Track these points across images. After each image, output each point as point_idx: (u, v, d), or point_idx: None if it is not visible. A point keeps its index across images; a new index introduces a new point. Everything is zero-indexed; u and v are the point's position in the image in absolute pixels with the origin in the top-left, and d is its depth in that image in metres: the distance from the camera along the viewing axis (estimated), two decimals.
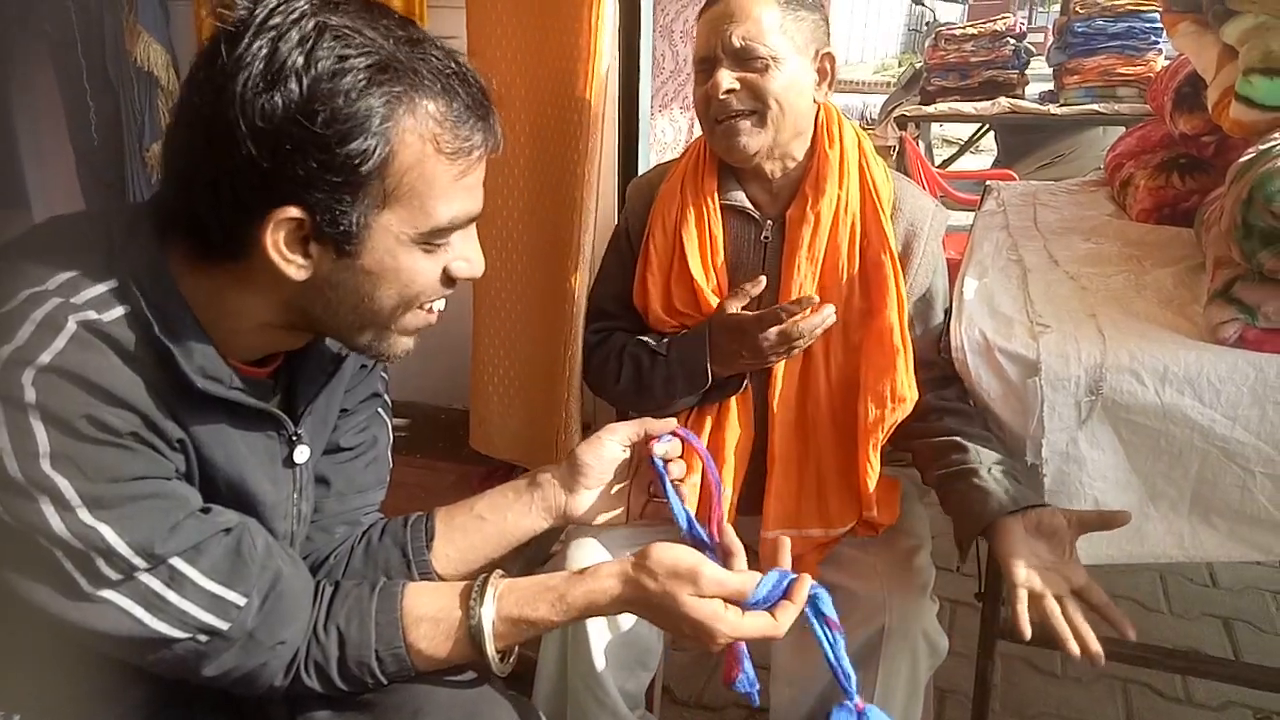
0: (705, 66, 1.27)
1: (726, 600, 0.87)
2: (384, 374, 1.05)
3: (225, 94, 0.70)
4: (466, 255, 0.84)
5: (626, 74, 1.71)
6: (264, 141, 0.71)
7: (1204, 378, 1.15)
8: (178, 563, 0.77)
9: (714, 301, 1.32)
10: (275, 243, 0.75)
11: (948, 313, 1.36)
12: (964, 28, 4.56)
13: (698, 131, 2.65)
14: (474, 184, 0.81)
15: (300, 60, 0.71)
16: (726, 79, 1.24)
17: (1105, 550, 1.19)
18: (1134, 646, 1.49)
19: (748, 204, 1.34)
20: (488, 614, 0.87)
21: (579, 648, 1.25)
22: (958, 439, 1.23)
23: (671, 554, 0.88)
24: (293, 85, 0.70)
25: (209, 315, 0.79)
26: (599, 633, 1.25)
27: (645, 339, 1.37)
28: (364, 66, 0.72)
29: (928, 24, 7.62)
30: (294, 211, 0.74)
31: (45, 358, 0.70)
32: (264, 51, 0.70)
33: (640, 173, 1.71)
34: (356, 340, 0.84)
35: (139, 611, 0.76)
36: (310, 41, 0.71)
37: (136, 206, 0.82)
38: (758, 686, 0.91)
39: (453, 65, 0.77)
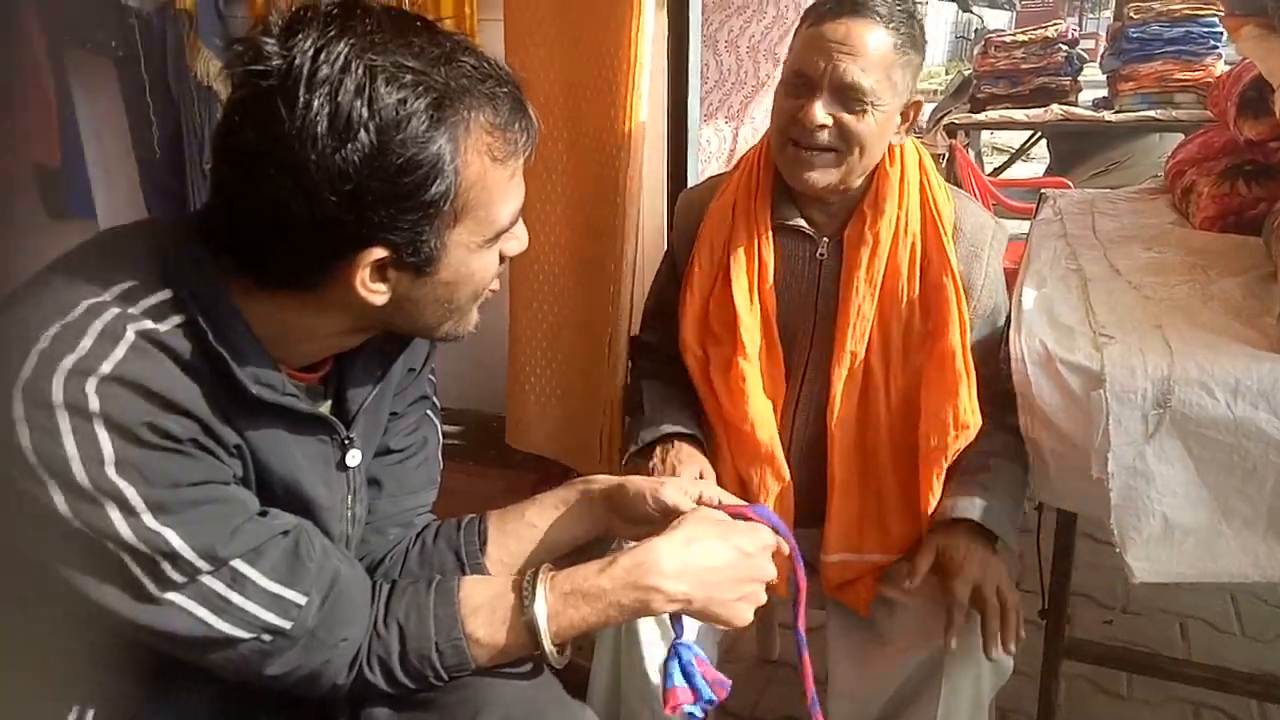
0: (801, 85, 1.22)
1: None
2: (432, 377, 1.06)
3: (295, 153, 0.71)
4: (516, 234, 0.87)
5: (674, 84, 1.71)
6: (344, 196, 0.72)
7: (1279, 391, 1.11)
8: (239, 565, 0.78)
9: (753, 328, 1.30)
10: (361, 280, 0.77)
11: (1007, 323, 1.33)
12: (1014, 34, 4.50)
13: (743, 141, 2.67)
14: (520, 177, 0.84)
15: (364, 111, 0.71)
16: (820, 114, 1.19)
17: (1176, 568, 1.15)
18: (1207, 669, 1.45)
19: (803, 223, 1.32)
20: (541, 592, 0.88)
21: (633, 659, 1.24)
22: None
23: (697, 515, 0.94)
24: (362, 137, 0.71)
25: (268, 328, 0.81)
26: (652, 642, 1.24)
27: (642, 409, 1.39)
28: (424, 107, 0.73)
29: (976, 31, 7.52)
30: (378, 252, 0.76)
31: (106, 367, 0.71)
32: (325, 108, 0.70)
33: (689, 182, 1.71)
34: (434, 333, 0.88)
35: (203, 613, 0.77)
36: (367, 89, 0.71)
37: (187, 218, 0.84)
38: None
39: (486, 67, 0.78)
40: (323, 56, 0.71)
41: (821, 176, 1.23)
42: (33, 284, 0.77)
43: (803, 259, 1.32)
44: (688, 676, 0.93)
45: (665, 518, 0.98)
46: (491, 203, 0.80)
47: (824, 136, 1.21)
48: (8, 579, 0.78)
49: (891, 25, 1.19)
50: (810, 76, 1.21)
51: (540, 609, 0.87)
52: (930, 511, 1.26)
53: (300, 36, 0.72)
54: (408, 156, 0.73)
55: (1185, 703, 1.79)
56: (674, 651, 0.94)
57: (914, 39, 1.22)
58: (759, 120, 2.67)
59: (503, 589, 0.89)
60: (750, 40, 2.57)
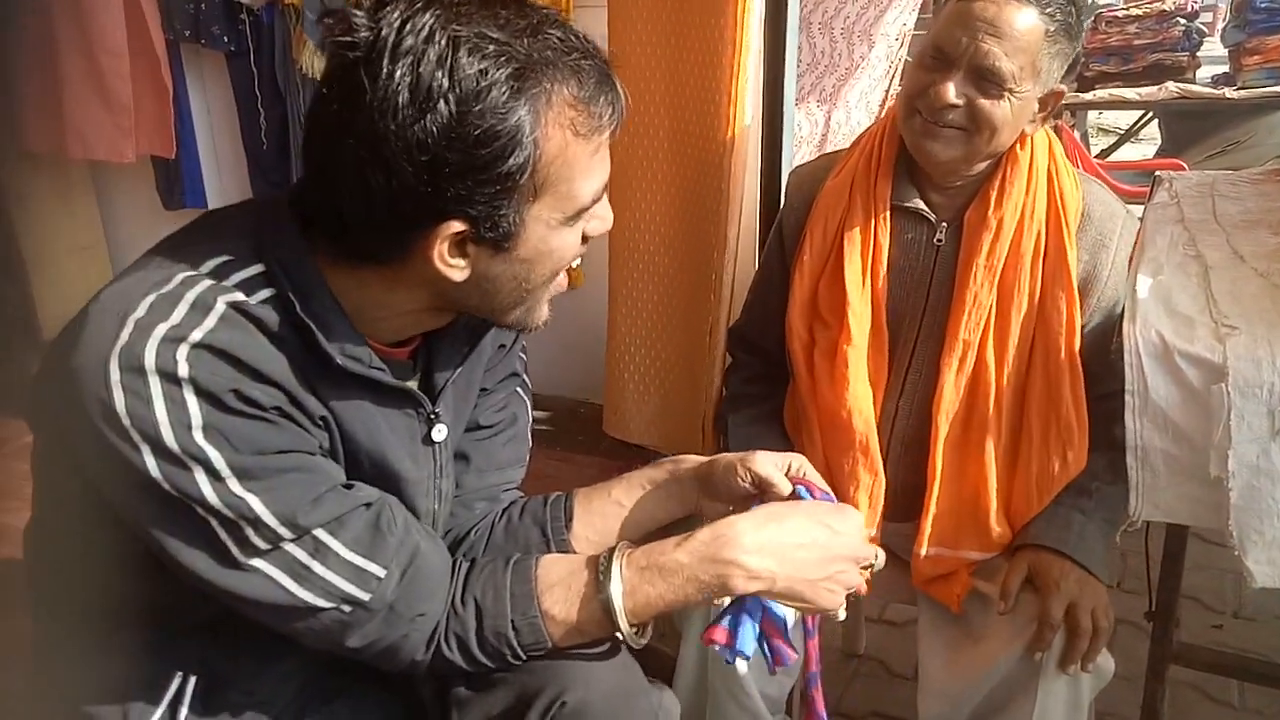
0: (939, 60, 1.17)
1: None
2: (523, 355, 1.07)
3: (376, 123, 0.72)
4: (600, 215, 0.86)
5: (771, 67, 1.68)
6: (423, 166, 0.73)
7: None
8: (321, 534, 0.80)
9: (863, 313, 1.27)
10: (439, 254, 0.78)
11: (1121, 315, 1.27)
12: (1127, 8, 4.27)
13: (835, 125, 2.62)
14: (605, 153, 0.83)
15: (444, 81, 0.71)
16: (953, 92, 1.15)
17: None
18: None
19: (922, 205, 1.27)
20: (617, 566, 0.87)
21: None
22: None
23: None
24: (441, 108, 0.72)
25: (352, 303, 0.83)
26: None
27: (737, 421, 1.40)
28: (505, 78, 0.73)
29: (1086, 5, 7.17)
30: (456, 225, 0.77)
31: (197, 335, 0.74)
32: (407, 78, 0.71)
33: (784, 168, 1.69)
34: (507, 318, 0.88)
35: (286, 580, 0.79)
36: (448, 59, 0.72)
37: (278, 196, 0.85)
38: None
39: (573, 40, 0.78)
40: (408, 27, 0.72)
41: (944, 149, 1.19)
42: (139, 260, 0.81)
43: (919, 243, 1.28)
44: (737, 624, 0.89)
45: (757, 491, 0.98)
46: (573, 178, 0.79)
47: (952, 116, 1.17)
48: (118, 548, 0.81)
49: (1048, 11, 1.13)
50: (949, 54, 1.16)
51: (616, 585, 0.86)
52: (1031, 514, 1.23)
53: (389, 9, 0.73)
54: (486, 127, 0.72)
55: None
56: (747, 600, 0.89)
57: (1069, 27, 1.16)
58: (853, 104, 2.61)
59: (579, 565, 0.90)
60: (845, 22, 2.51)
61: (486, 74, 0.72)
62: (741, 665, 0.90)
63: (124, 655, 0.88)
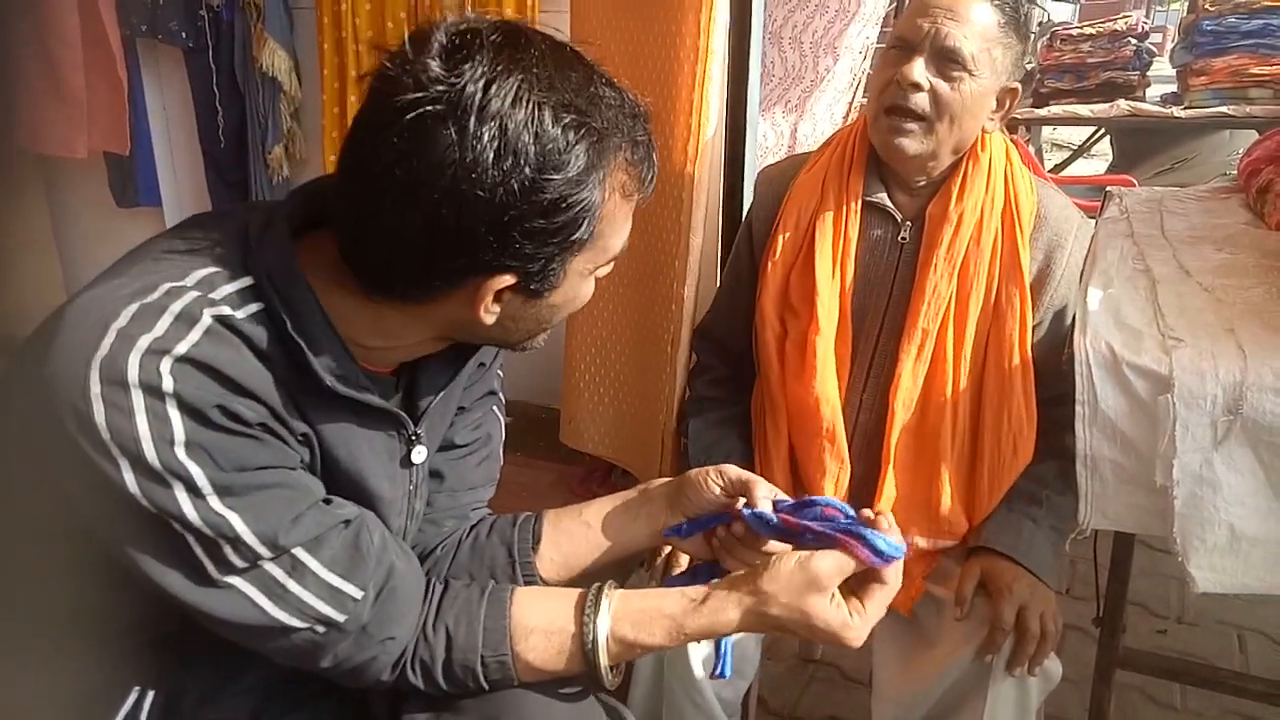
0: (901, 49, 1.24)
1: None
2: (500, 371, 1.06)
3: (457, 180, 0.71)
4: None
5: (735, 77, 1.70)
6: (493, 226, 0.73)
7: None
8: (300, 553, 0.78)
9: (830, 306, 1.29)
10: (483, 304, 0.79)
11: (1072, 325, 1.31)
12: (1081, 27, 4.38)
13: (802, 136, 2.65)
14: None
15: (531, 148, 0.72)
16: (919, 72, 1.21)
17: (1242, 579, 1.12)
18: (1265, 683, 1.40)
19: (889, 202, 1.31)
20: (602, 631, 0.87)
21: (678, 654, 1.25)
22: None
23: (785, 573, 0.87)
24: (525, 172, 0.72)
25: (349, 326, 0.81)
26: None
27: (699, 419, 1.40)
28: (585, 150, 0.74)
29: (1040, 24, 7.35)
30: (508, 280, 0.78)
31: (181, 348, 0.72)
32: (495, 141, 0.71)
33: (747, 178, 1.70)
34: (517, 346, 0.90)
35: (261, 599, 0.77)
36: (534, 124, 0.72)
37: (271, 207, 0.84)
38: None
39: (627, 103, 0.79)
40: (494, 90, 0.71)
41: (912, 143, 1.23)
42: (118, 265, 0.79)
43: (885, 240, 1.32)
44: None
45: (732, 498, 0.98)
46: (612, 234, 0.82)
47: (919, 100, 1.21)
48: (79, 558, 0.79)
49: (998, 3, 1.20)
50: (911, 40, 1.22)
51: (601, 645, 0.87)
52: (984, 513, 1.25)
53: (469, 66, 0.71)
54: (563, 194, 0.74)
55: (1240, 717, 1.75)
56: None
57: (1018, 22, 1.23)
58: (819, 115, 2.64)
59: (562, 615, 0.88)
60: (813, 36, 2.54)
61: (570, 144, 0.74)
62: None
63: (80, 669, 0.86)
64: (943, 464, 1.28)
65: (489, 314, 0.80)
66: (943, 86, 1.21)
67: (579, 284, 0.84)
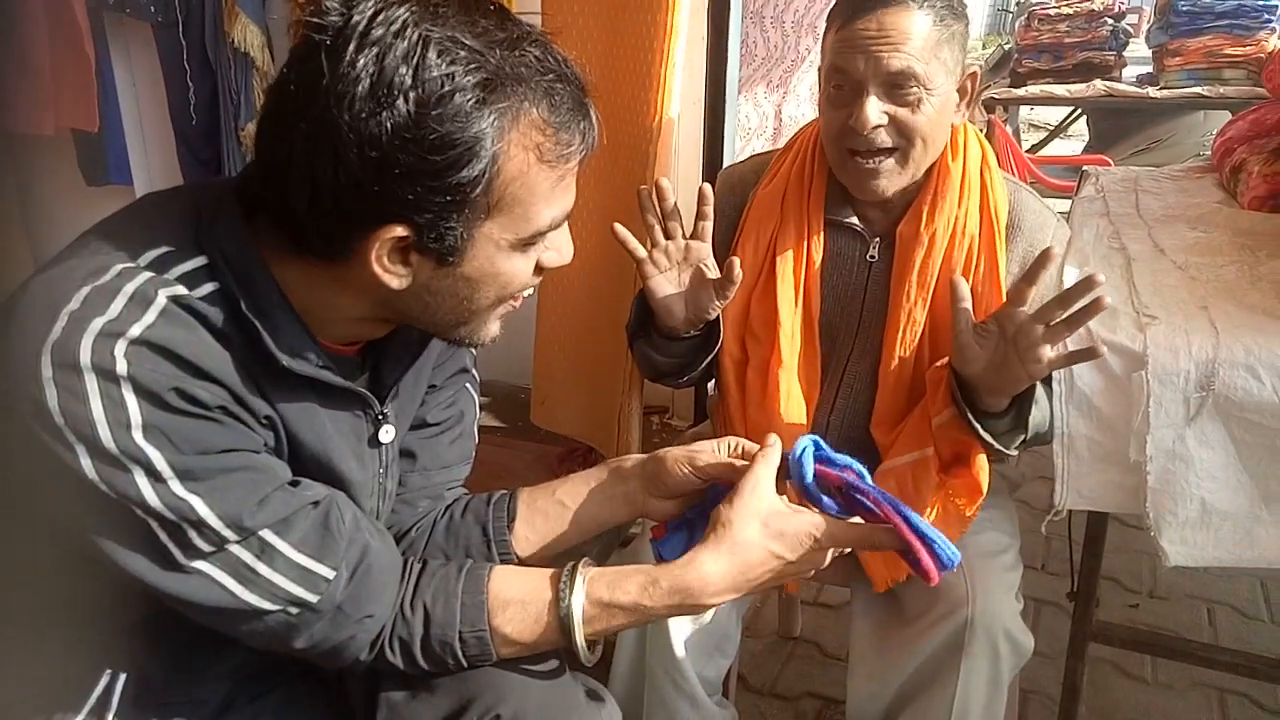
0: (846, 90, 1.15)
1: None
2: (473, 349, 1.04)
3: (330, 110, 0.69)
4: (557, 246, 0.84)
5: (713, 57, 1.69)
6: (372, 164, 0.70)
7: None
8: (267, 535, 0.77)
9: (792, 336, 1.25)
10: (378, 257, 0.75)
11: None
12: (1058, 7, 4.39)
13: (787, 117, 2.63)
14: (571, 182, 0.80)
15: (408, 78, 0.68)
16: (875, 112, 1.12)
17: (1212, 553, 1.14)
18: (1234, 654, 1.43)
19: (855, 221, 1.27)
20: (578, 598, 0.86)
21: (658, 634, 1.25)
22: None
23: (745, 499, 0.88)
24: (401, 105, 0.68)
25: (302, 300, 0.80)
26: (679, 619, 1.24)
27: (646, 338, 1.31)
28: (472, 85, 0.70)
29: (1016, 4, 7.36)
30: (399, 230, 0.73)
31: (136, 330, 0.70)
32: (369, 69, 0.68)
33: (725, 161, 1.69)
34: (450, 334, 0.85)
35: (230, 583, 0.76)
36: (416, 57, 0.69)
37: (223, 184, 0.82)
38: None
39: (551, 62, 0.75)
40: (380, 18, 0.69)
41: (889, 183, 1.18)
42: (70, 247, 0.77)
43: (852, 258, 1.27)
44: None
45: (704, 483, 0.98)
46: (531, 202, 0.76)
47: (882, 137, 1.14)
48: (42, 543, 0.78)
49: (926, 3, 1.12)
50: (854, 77, 1.14)
51: (576, 612, 0.85)
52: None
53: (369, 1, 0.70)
54: (443, 133, 0.70)
55: (1210, 688, 1.78)
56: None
57: (952, 7, 1.15)
58: (803, 97, 2.63)
59: (536, 586, 0.87)
60: (795, 15, 2.53)
61: (453, 78, 0.69)
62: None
63: (51, 654, 0.84)
64: (925, 491, 1.23)
65: (391, 274, 0.76)
66: (903, 113, 1.13)
67: (498, 257, 0.78)
